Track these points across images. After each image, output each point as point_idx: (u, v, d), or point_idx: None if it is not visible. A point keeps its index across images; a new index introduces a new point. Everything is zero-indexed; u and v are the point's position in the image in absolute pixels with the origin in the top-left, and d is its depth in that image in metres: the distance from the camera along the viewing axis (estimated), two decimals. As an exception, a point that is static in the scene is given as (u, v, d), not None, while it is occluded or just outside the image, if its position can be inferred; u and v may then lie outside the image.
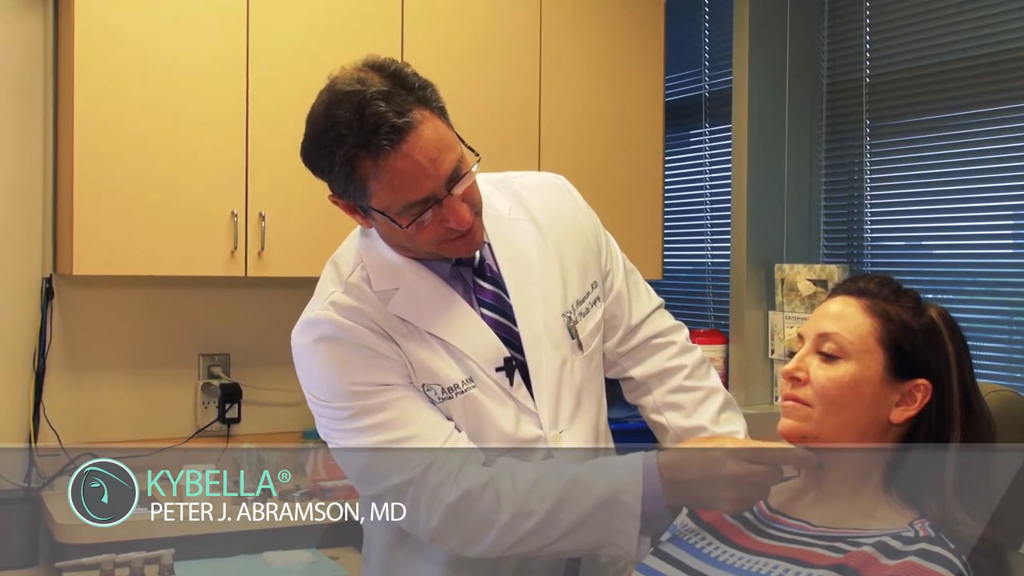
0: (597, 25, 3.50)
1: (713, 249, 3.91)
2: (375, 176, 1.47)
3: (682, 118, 4.01)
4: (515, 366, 1.63)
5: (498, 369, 1.62)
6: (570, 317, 1.68)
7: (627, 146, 3.56)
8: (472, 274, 1.65)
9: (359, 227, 1.68)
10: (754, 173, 3.58)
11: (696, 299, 3.99)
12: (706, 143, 3.96)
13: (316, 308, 1.62)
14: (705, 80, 3.95)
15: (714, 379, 1.81)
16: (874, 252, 3.40)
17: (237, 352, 3.37)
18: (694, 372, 1.79)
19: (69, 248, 2.91)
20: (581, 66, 3.47)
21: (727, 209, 3.72)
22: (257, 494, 3.01)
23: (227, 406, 3.28)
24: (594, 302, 1.72)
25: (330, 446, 1.64)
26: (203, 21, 2.98)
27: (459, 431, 1.61)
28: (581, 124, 3.48)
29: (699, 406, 1.77)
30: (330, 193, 1.56)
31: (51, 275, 3.15)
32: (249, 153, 3.04)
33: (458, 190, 1.50)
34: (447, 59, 3.22)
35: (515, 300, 1.65)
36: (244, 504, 2.95)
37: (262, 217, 3.05)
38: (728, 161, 3.73)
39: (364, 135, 1.44)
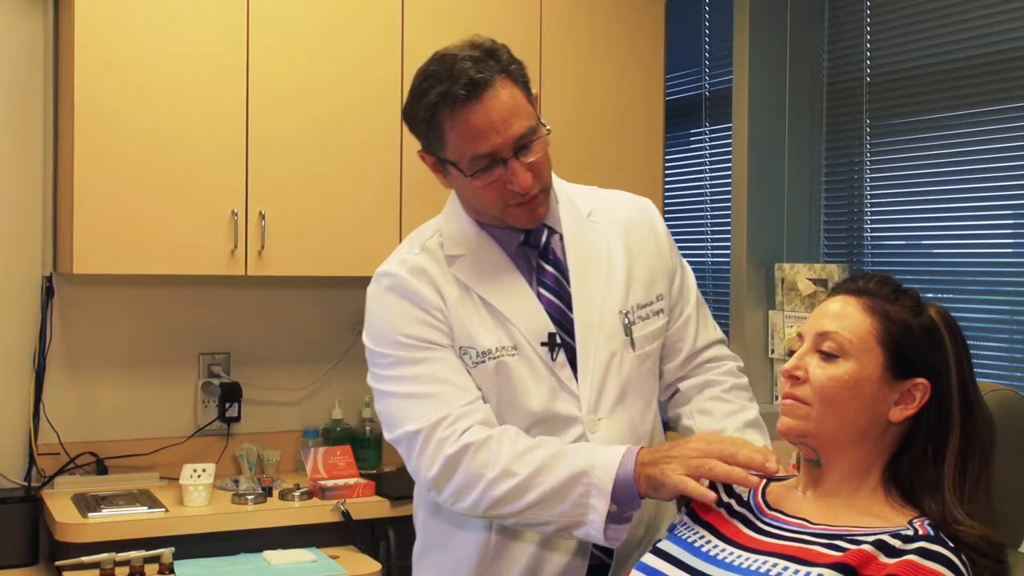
0: (597, 25, 3.50)
1: (713, 248, 3.91)
2: (451, 125, 1.60)
3: (682, 118, 4.01)
4: (559, 344, 1.70)
5: (542, 344, 1.70)
6: (628, 316, 1.75)
7: (627, 146, 3.56)
8: (537, 256, 1.75)
9: (445, 207, 1.80)
10: (754, 173, 3.58)
11: (696, 299, 3.99)
12: (706, 143, 3.96)
13: (390, 263, 1.76)
14: (705, 80, 3.95)
15: (753, 406, 1.85)
16: (874, 252, 3.40)
17: (237, 351, 3.37)
18: (735, 390, 1.85)
19: (69, 247, 2.91)
20: (581, 66, 3.47)
21: (727, 208, 3.72)
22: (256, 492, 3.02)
23: (227, 405, 3.28)
24: (656, 313, 1.79)
25: (373, 390, 1.75)
26: (203, 20, 2.99)
27: (484, 401, 1.68)
28: (581, 124, 3.48)
29: (728, 416, 1.80)
30: (419, 148, 1.70)
31: (51, 274, 3.16)
32: (249, 152, 3.04)
33: (524, 156, 1.62)
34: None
35: (575, 287, 1.73)
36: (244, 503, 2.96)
37: (262, 216, 3.05)
38: (728, 161, 3.73)
39: (447, 85, 1.59)
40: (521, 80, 1.65)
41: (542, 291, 1.73)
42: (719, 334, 1.91)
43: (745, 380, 1.89)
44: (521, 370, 1.69)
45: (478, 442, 1.61)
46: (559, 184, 1.82)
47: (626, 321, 1.74)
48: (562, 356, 1.70)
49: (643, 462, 1.53)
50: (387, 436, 1.71)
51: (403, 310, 1.69)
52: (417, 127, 1.67)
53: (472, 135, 1.60)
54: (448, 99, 1.59)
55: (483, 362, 1.69)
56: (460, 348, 1.69)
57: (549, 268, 1.74)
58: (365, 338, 1.75)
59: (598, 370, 1.71)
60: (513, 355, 1.69)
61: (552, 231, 1.76)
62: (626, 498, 1.54)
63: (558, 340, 1.70)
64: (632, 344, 1.75)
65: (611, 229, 1.79)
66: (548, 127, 1.67)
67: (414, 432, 1.64)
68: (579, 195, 1.83)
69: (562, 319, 1.72)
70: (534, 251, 1.75)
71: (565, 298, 1.73)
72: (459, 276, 1.71)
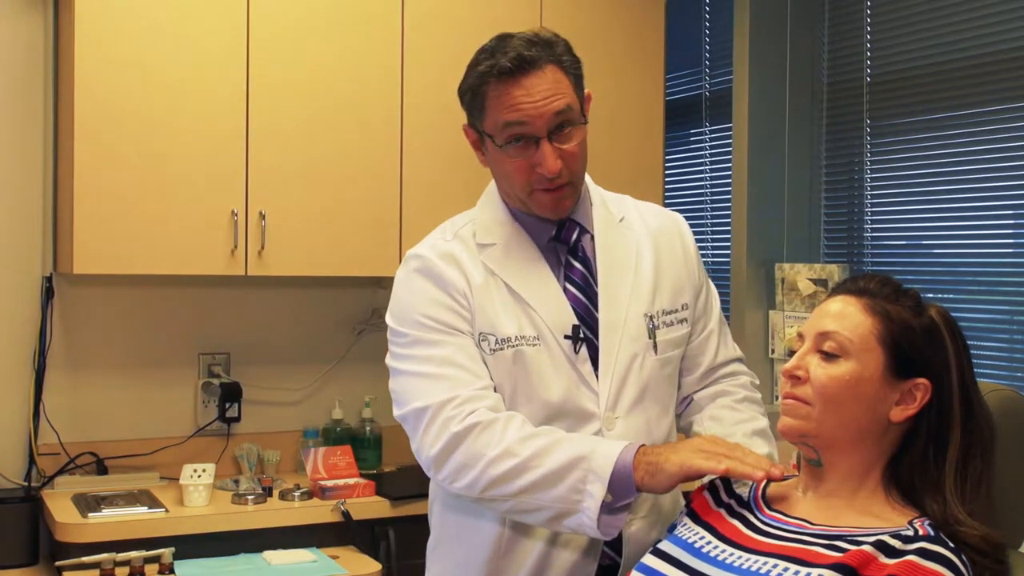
0: (597, 25, 3.50)
1: (713, 248, 3.91)
2: (494, 95, 1.67)
3: (682, 118, 4.01)
4: (583, 339, 1.72)
5: (566, 336, 1.71)
6: (653, 320, 1.77)
7: (627, 146, 3.56)
8: (566, 252, 1.77)
9: (481, 198, 1.83)
10: (754, 173, 3.58)
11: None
12: (706, 143, 3.96)
13: (421, 247, 1.79)
14: (705, 79, 3.95)
15: (764, 419, 1.87)
16: (874, 252, 3.41)
17: (237, 351, 3.37)
18: (747, 402, 1.87)
19: (69, 247, 2.91)
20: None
21: (727, 208, 3.72)
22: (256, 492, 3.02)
23: (227, 405, 3.28)
24: (680, 321, 1.81)
25: (389, 368, 1.76)
26: (203, 20, 2.98)
27: (495, 391, 1.69)
28: (581, 124, 3.47)
29: (737, 424, 1.81)
30: (464, 123, 1.76)
31: (51, 274, 3.15)
32: (249, 152, 3.04)
33: (558, 142, 1.68)
34: (447, 58, 3.21)
35: (602, 287, 1.75)
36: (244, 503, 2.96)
37: (262, 216, 3.05)
38: (728, 160, 3.73)
39: (495, 59, 1.67)
40: (572, 72, 1.73)
41: (568, 286, 1.75)
42: (738, 352, 1.93)
43: (759, 395, 1.90)
44: (542, 360, 1.70)
45: (485, 422, 1.62)
46: (595, 189, 1.86)
47: (651, 325, 1.76)
48: (584, 351, 1.72)
49: (645, 452, 1.54)
50: (395, 413, 1.73)
51: (428, 292, 1.72)
52: (464, 97, 1.74)
53: (508, 104, 1.66)
54: (495, 70, 1.66)
55: (501, 349, 1.70)
56: (480, 335, 1.71)
57: (578, 265, 1.77)
58: (388, 318, 1.77)
59: (619, 368, 1.72)
60: (534, 345, 1.70)
61: (584, 230, 1.79)
62: (622, 487, 1.53)
63: (581, 335, 1.72)
64: (655, 347, 1.76)
65: (642, 236, 1.82)
66: (585, 119, 1.73)
67: (421, 408, 1.66)
68: (613, 202, 1.87)
69: (587, 316, 1.73)
70: (564, 247, 1.77)
71: (591, 296, 1.75)
72: (488, 263, 1.74)
